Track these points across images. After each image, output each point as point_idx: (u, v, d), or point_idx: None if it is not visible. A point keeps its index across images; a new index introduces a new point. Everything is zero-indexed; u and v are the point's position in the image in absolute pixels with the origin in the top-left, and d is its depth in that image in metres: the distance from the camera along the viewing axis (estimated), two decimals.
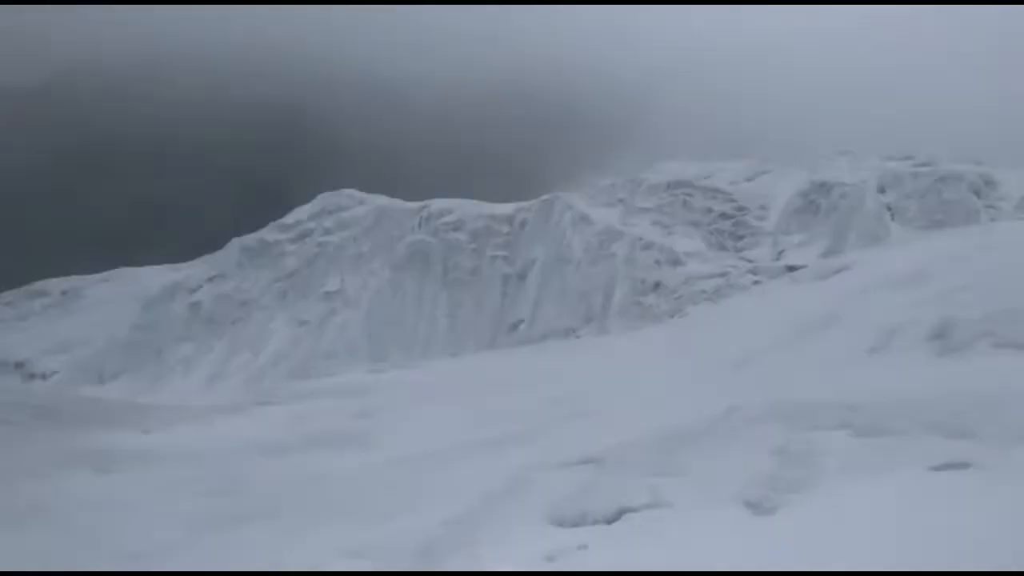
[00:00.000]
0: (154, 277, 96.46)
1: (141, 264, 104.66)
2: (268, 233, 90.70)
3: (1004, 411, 10.34)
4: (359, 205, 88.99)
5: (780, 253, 72.00)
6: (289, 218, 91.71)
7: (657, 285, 67.05)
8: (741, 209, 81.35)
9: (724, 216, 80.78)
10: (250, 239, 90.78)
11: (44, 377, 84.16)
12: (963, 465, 9.27)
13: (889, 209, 68.85)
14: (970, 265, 19.06)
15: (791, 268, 48.88)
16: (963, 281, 16.98)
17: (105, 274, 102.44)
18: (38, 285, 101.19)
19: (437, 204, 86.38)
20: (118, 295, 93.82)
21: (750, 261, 71.52)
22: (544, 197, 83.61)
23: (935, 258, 21.20)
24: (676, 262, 69.75)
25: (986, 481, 8.89)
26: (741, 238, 78.56)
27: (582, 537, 9.79)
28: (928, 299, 16.65)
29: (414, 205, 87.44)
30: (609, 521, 10.02)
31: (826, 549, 8.19)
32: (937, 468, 9.31)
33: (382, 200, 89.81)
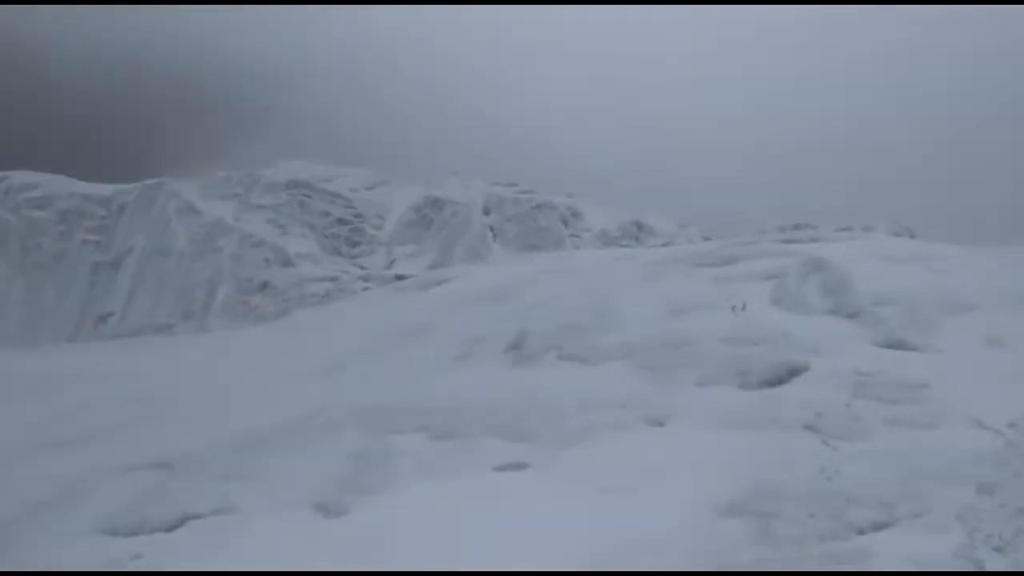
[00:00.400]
0: None
1: None
2: None
3: (561, 417, 11.39)
4: None
5: (392, 262, 74.03)
6: None
7: (265, 285, 65.35)
8: (359, 216, 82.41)
9: (341, 222, 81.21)
10: None
11: None
12: (522, 465, 10.02)
13: (492, 230, 74.03)
14: (550, 286, 20.86)
15: (400, 277, 50.41)
16: (542, 299, 18.53)
17: None
18: None
19: (19, 177, 76.35)
20: None
21: (363, 268, 72.60)
22: (149, 181, 77.64)
23: (523, 277, 22.93)
24: (287, 263, 68.61)
25: (540, 479, 9.69)
26: (356, 245, 79.51)
27: (137, 547, 9.00)
28: (511, 314, 17.90)
29: None
30: (169, 529, 9.33)
31: (391, 547, 8.35)
32: (499, 468, 9.97)
33: None
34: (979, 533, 7.64)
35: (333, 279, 65.04)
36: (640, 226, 73.49)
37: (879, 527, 7.90)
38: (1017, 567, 7.18)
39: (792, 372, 12.21)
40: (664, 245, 46.25)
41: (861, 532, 7.86)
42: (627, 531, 8.31)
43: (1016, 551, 7.40)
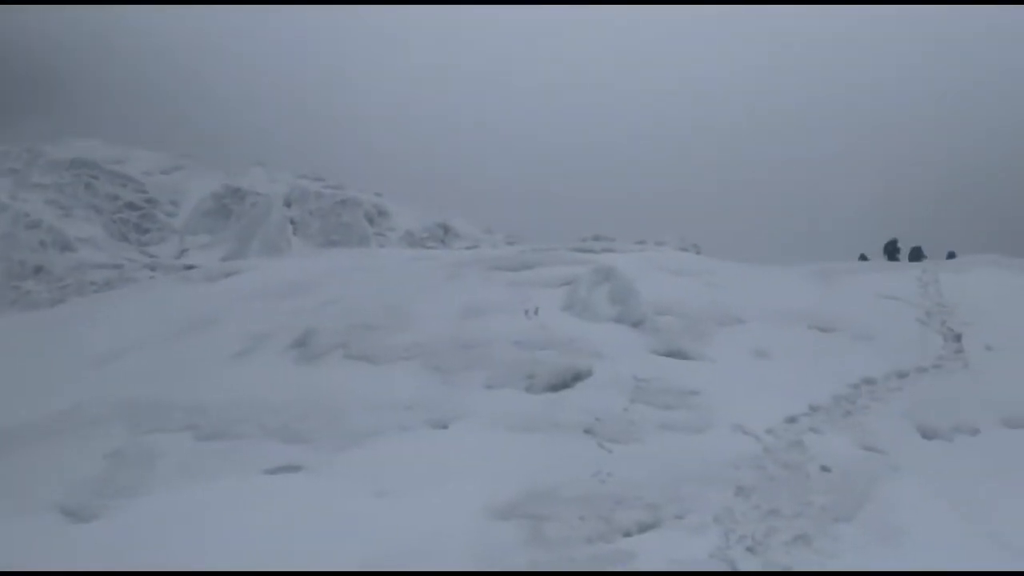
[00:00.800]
0: None
1: None
2: None
3: (342, 417, 11.02)
4: None
5: (184, 252, 70.32)
6: None
7: (39, 269, 60.09)
8: (151, 202, 77.80)
9: (131, 206, 76.31)
10: None
11: None
12: (295, 468, 9.58)
13: (293, 223, 71.89)
14: (346, 283, 20.36)
15: (190, 268, 47.86)
16: (334, 296, 18.03)
17: None
18: None
19: None
20: None
21: (151, 256, 68.47)
22: None
23: (318, 273, 22.28)
24: (66, 247, 63.47)
25: (313, 481, 9.29)
26: (147, 232, 75.01)
27: None
28: (302, 309, 17.31)
29: None
30: None
31: (140, 553, 7.73)
32: (271, 471, 9.48)
33: None
34: (734, 534, 8.02)
35: (117, 266, 60.78)
36: (446, 229, 73.72)
37: (644, 528, 8.11)
38: (766, 566, 7.57)
39: (576, 377, 12.44)
40: (469, 248, 46.59)
41: (627, 534, 8.04)
42: (400, 534, 8.11)
43: (767, 551, 7.81)
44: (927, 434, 11.16)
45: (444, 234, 72.82)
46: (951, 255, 26.53)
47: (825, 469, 9.60)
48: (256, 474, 9.35)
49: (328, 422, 10.72)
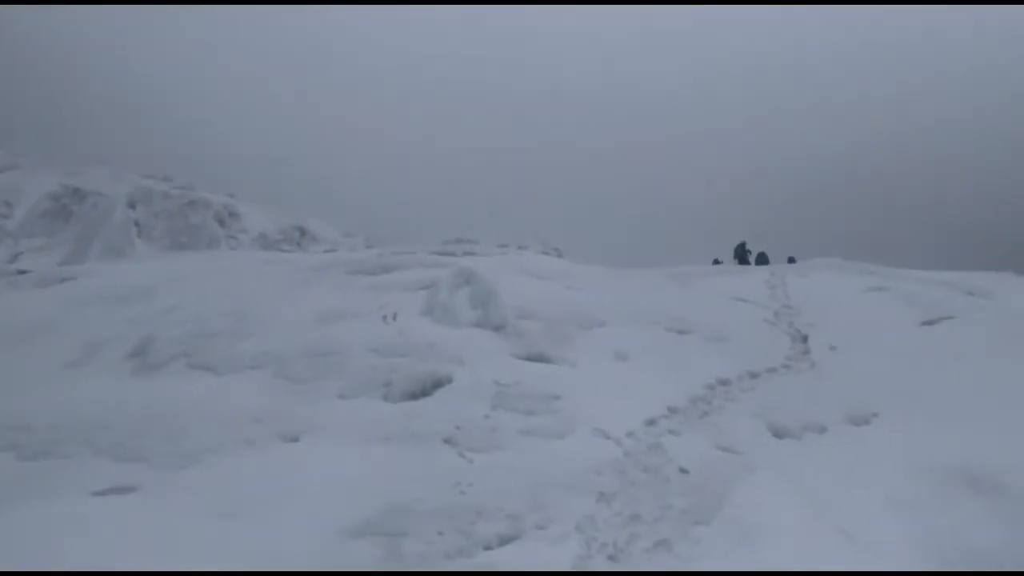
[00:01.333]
0: None
1: None
2: None
3: (182, 433, 10.26)
4: None
5: (17, 256, 65.49)
6: None
7: None
8: None
9: None
10: None
11: None
12: (128, 489, 8.79)
13: (137, 225, 68.18)
14: (192, 288, 19.32)
15: (23, 272, 44.51)
16: (178, 302, 17.02)
17: None
18: None
19: None
20: None
21: None
22: None
23: (163, 277, 21.09)
24: None
25: (148, 504, 8.54)
26: None
27: None
28: (142, 316, 16.27)
29: None
30: None
31: None
32: (100, 493, 8.65)
33: None
34: (596, 542, 7.87)
35: None
36: (303, 231, 71.47)
37: (505, 541, 7.85)
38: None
39: (436, 384, 12.11)
40: (326, 252, 45.35)
41: (488, 547, 7.76)
42: (246, 558, 7.52)
43: (628, 558, 7.69)
44: (778, 433, 11.41)
45: (300, 237, 70.57)
46: (791, 260, 27.76)
47: (684, 471, 9.62)
48: (85, 496, 8.51)
49: (167, 438, 9.95)
